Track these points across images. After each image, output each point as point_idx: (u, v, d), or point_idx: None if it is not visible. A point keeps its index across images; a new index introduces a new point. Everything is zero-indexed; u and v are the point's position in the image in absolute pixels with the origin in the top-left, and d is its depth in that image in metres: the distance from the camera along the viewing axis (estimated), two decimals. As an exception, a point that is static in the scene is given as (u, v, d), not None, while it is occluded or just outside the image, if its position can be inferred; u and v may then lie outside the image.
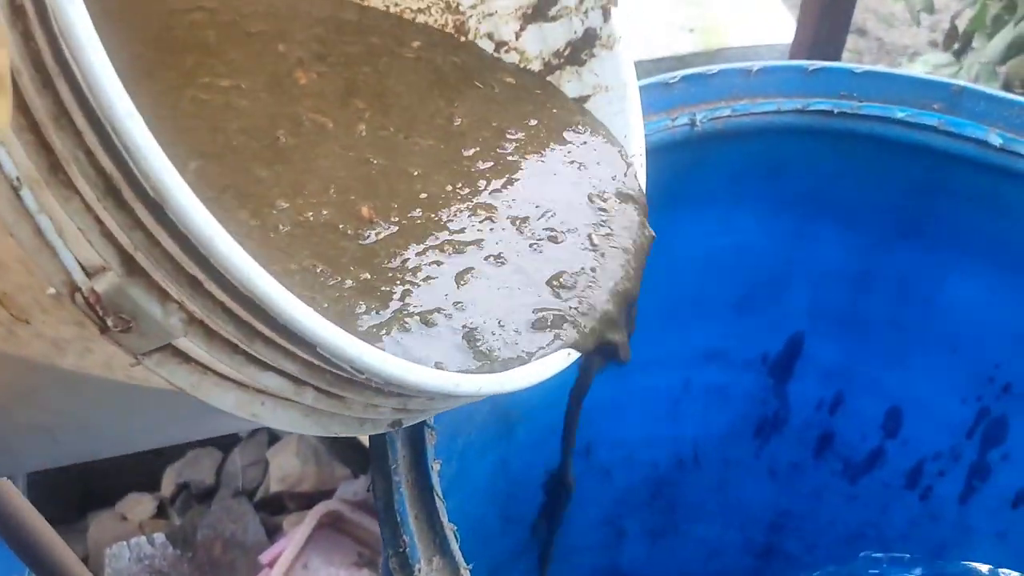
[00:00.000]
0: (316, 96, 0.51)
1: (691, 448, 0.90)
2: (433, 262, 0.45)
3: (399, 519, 0.47)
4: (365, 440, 0.49)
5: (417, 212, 0.47)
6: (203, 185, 0.43)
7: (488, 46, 0.59)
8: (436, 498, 0.48)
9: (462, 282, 0.45)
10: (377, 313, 0.41)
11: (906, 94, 0.68)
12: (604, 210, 0.51)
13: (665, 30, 1.52)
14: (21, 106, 0.29)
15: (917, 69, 1.70)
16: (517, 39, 0.59)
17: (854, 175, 0.72)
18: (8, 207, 0.32)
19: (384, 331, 0.41)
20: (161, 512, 1.33)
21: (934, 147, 0.68)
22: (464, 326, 0.43)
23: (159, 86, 0.48)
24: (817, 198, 0.74)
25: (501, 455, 0.73)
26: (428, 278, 0.44)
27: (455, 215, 0.48)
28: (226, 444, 1.35)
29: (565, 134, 0.55)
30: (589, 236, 0.49)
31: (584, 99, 0.57)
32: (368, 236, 0.45)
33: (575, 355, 0.45)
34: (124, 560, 1.20)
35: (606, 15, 0.55)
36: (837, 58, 1.34)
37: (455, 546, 0.46)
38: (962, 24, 1.71)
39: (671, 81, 0.68)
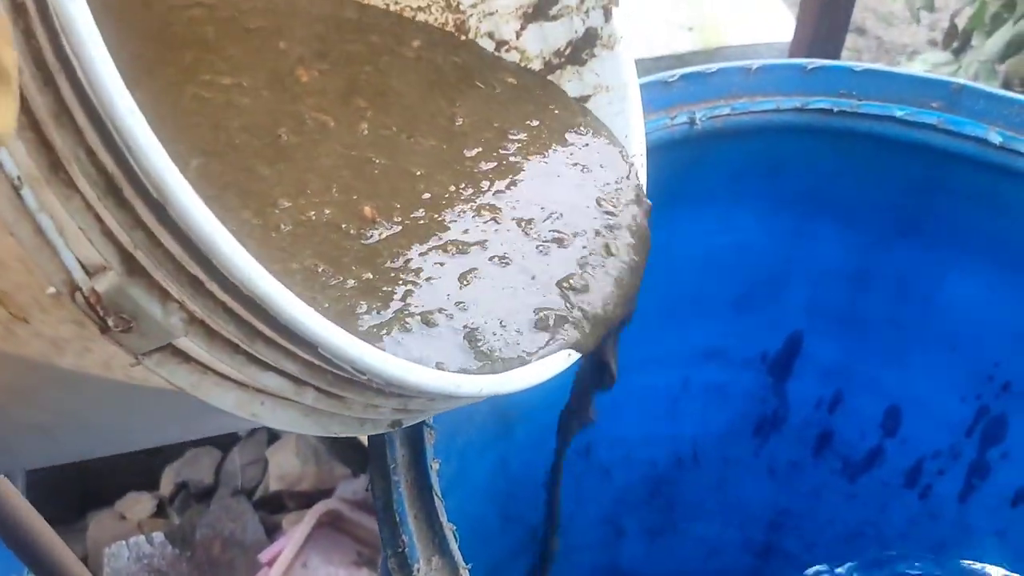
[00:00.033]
0: (318, 94, 0.51)
1: (690, 447, 0.90)
2: (436, 262, 0.45)
3: (398, 519, 0.47)
4: (365, 439, 0.49)
5: (420, 212, 0.47)
6: (205, 183, 0.43)
7: (489, 45, 0.59)
8: (435, 498, 0.48)
9: (465, 282, 0.45)
10: (378, 313, 0.41)
11: (905, 92, 0.68)
12: (609, 213, 0.51)
13: (665, 29, 1.52)
14: (22, 104, 0.29)
15: (916, 67, 1.70)
16: (518, 38, 0.59)
17: (853, 173, 0.72)
18: (8, 206, 0.32)
19: (385, 331, 0.41)
20: (160, 511, 1.33)
21: (933, 145, 0.68)
22: (466, 326, 0.43)
23: (159, 83, 0.48)
24: (816, 196, 0.74)
25: (501, 454, 0.73)
26: (431, 278, 0.44)
27: (459, 216, 0.48)
28: (225, 443, 1.35)
29: (567, 135, 0.55)
30: (594, 239, 0.49)
31: (585, 99, 0.57)
32: (371, 236, 0.45)
33: (575, 356, 0.45)
34: (123, 559, 1.20)
35: (607, 15, 0.55)
36: (836, 56, 1.34)
37: (454, 546, 0.46)
38: (961, 22, 1.71)
39: (670, 80, 0.68)
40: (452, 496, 0.52)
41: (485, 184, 0.50)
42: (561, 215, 0.50)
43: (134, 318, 0.33)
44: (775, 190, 0.73)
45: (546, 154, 0.53)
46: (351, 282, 0.42)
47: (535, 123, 0.55)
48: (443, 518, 0.47)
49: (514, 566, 0.78)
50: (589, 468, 0.85)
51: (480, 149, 0.52)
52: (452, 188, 0.50)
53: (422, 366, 0.38)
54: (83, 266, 0.33)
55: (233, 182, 0.44)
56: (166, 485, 1.34)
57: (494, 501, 0.75)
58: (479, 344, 0.42)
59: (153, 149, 0.29)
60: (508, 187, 0.51)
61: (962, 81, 0.68)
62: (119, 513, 1.31)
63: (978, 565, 0.75)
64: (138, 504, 1.32)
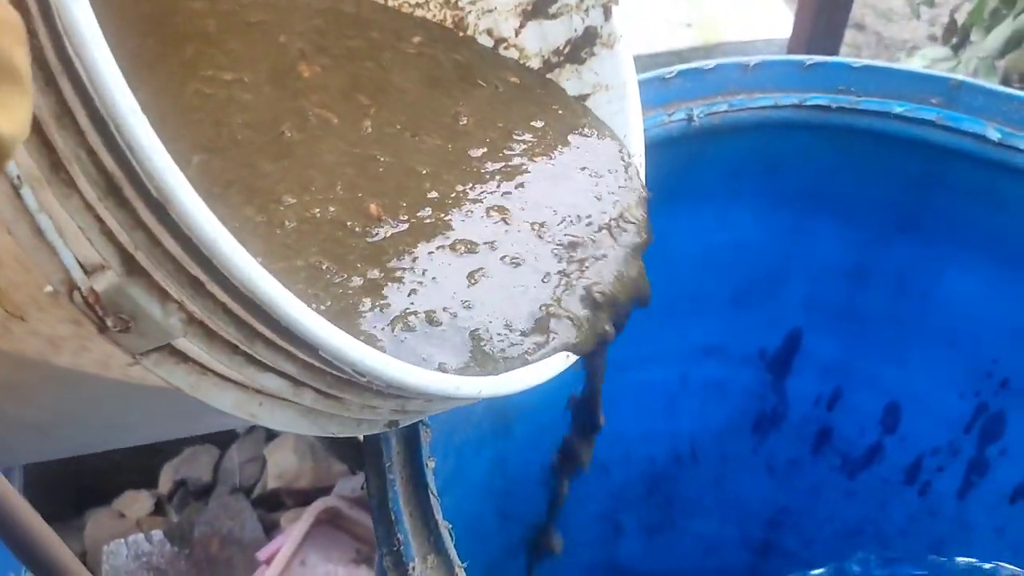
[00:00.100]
0: (320, 90, 0.51)
1: (688, 444, 0.89)
2: (443, 261, 0.45)
3: (393, 516, 0.47)
4: (362, 437, 0.49)
5: (427, 211, 0.47)
6: (207, 180, 0.43)
7: (487, 42, 0.59)
8: (431, 496, 0.47)
9: (472, 281, 0.45)
10: (382, 311, 0.41)
11: (904, 89, 0.68)
12: (616, 218, 0.51)
13: (665, 27, 1.52)
14: None
15: (915, 63, 1.70)
16: (516, 36, 0.59)
17: (852, 170, 0.71)
18: (8, 205, 0.32)
19: (388, 329, 0.41)
20: (159, 509, 1.33)
21: (932, 142, 0.68)
22: (471, 326, 0.43)
23: (160, 78, 0.47)
24: (815, 193, 0.73)
25: (498, 453, 0.73)
26: (437, 277, 0.44)
27: (467, 216, 0.48)
28: (223, 441, 1.35)
29: (572, 137, 0.55)
30: (602, 242, 0.49)
31: (584, 97, 0.57)
32: (376, 233, 0.45)
33: (574, 358, 0.45)
34: (121, 557, 1.20)
35: (607, 13, 0.55)
36: (835, 53, 1.34)
37: (450, 544, 0.46)
38: (961, 18, 1.71)
39: (668, 76, 0.67)
40: (449, 494, 0.52)
41: (493, 185, 0.50)
42: (571, 218, 0.50)
43: (133, 318, 0.33)
44: (773, 187, 0.73)
45: (552, 156, 0.53)
46: (356, 279, 0.42)
47: (539, 124, 0.55)
48: (439, 516, 0.47)
49: (511, 564, 0.78)
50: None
51: (485, 149, 0.52)
52: (459, 188, 0.49)
53: (421, 368, 0.38)
54: (82, 266, 0.33)
55: (236, 179, 0.44)
56: (164, 483, 1.34)
57: (491, 499, 0.75)
58: (483, 344, 0.42)
59: (155, 150, 0.29)
60: (516, 188, 0.51)
61: (961, 77, 0.67)
62: (117, 511, 1.31)
63: (977, 563, 0.75)
64: (136, 502, 1.32)
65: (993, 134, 0.66)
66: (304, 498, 1.26)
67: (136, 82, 0.28)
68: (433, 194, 0.48)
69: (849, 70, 0.68)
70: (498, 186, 0.50)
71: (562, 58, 0.58)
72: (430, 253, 0.45)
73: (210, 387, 0.37)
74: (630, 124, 0.55)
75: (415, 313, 0.42)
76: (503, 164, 0.52)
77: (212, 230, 0.30)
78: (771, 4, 1.61)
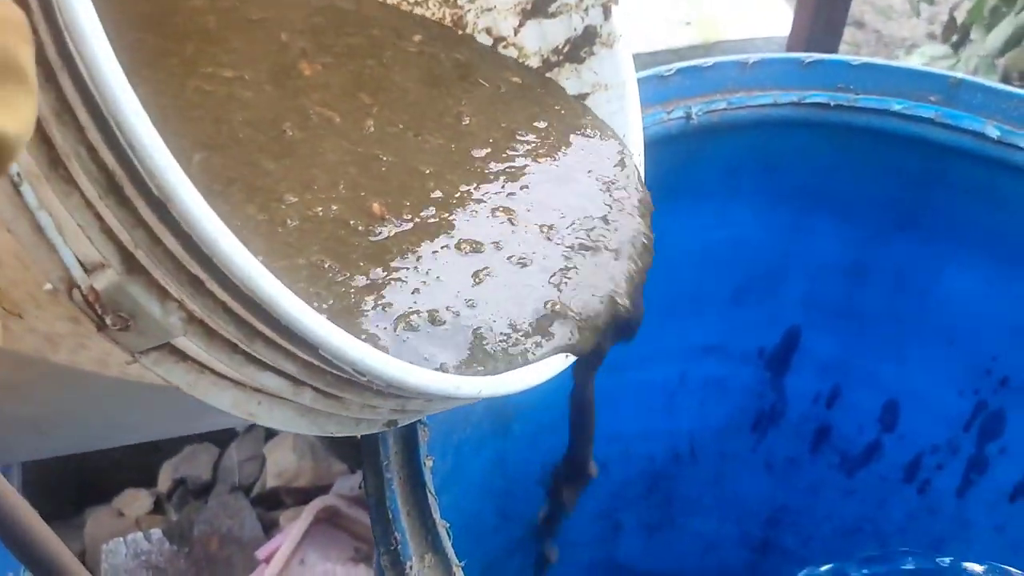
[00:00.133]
0: (322, 89, 0.51)
1: (687, 442, 0.89)
2: (448, 261, 0.45)
3: (390, 516, 0.47)
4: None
5: (431, 211, 0.47)
6: (208, 178, 0.43)
7: (486, 41, 0.59)
8: (428, 495, 0.47)
9: (477, 280, 0.45)
10: (384, 310, 0.41)
11: (903, 86, 0.68)
12: (620, 219, 0.51)
13: (664, 26, 1.52)
14: None
15: (915, 61, 1.70)
16: (515, 35, 0.58)
17: (851, 168, 0.71)
18: (7, 202, 0.32)
19: (391, 329, 0.41)
20: (158, 508, 1.32)
21: (931, 139, 0.68)
22: (474, 324, 0.43)
23: (161, 75, 0.47)
24: (813, 191, 0.73)
25: (497, 451, 0.73)
26: (441, 276, 0.44)
27: (472, 216, 0.48)
28: (223, 440, 1.35)
29: (575, 138, 0.55)
30: (609, 243, 0.49)
31: (583, 97, 0.57)
32: (380, 232, 0.45)
33: (573, 358, 0.45)
34: (121, 556, 1.20)
35: (607, 13, 0.55)
36: (834, 50, 1.34)
37: (447, 543, 0.46)
38: (961, 16, 1.71)
39: (666, 74, 0.67)
40: (448, 493, 0.51)
41: (498, 186, 0.50)
42: (577, 220, 0.50)
43: (132, 316, 0.33)
44: (772, 185, 0.73)
45: (556, 157, 0.53)
46: (359, 278, 0.42)
47: (542, 124, 0.55)
48: (436, 515, 0.47)
49: (510, 563, 0.78)
50: (586, 464, 0.85)
51: (489, 150, 0.52)
52: (464, 188, 0.49)
53: (421, 368, 0.38)
54: (81, 264, 0.33)
55: (238, 177, 0.44)
56: (164, 482, 1.34)
57: (491, 498, 0.75)
58: (485, 343, 0.42)
59: (157, 149, 0.28)
60: (522, 189, 0.51)
61: (960, 75, 0.67)
62: (117, 510, 1.31)
63: (975, 565, 0.75)
64: (136, 501, 1.32)
65: (992, 132, 0.66)
66: (303, 497, 1.26)
67: (136, 79, 0.28)
68: (437, 194, 0.48)
69: (848, 68, 0.68)
70: (503, 187, 0.50)
71: (561, 57, 0.57)
72: (434, 252, 0.45)
73: (208, 386, 0.37)
74: (629, 124, 0.55)
75: (418, 312, 0.42)
76: (507, 165, 0.52)
77: (213, 228, 0.30)
78: (771, 2, 1.61)
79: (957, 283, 0.75)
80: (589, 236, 0.49)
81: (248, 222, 0.42)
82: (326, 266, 0.42)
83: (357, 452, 0.48)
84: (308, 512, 1.14)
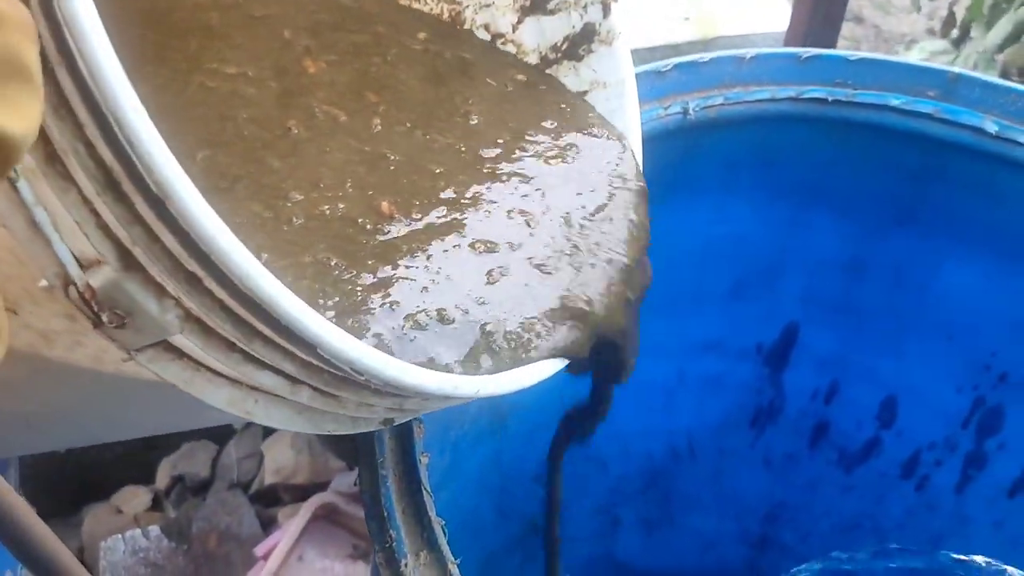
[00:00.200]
0: (327, 87, 0.51)
1: (686, 439, 0.89)
2: (460, 260, 0.45)
3: (386, 513, 0.46)
4: (356, 433, 0.48)
5: (442, 210, 0.47)
6: (213, 176, 0.43)
7: (484, 37, 0.59)
8: (424, 492, 0.47)
9: (491, 279, 0.44)
10: (392, 309, 0.41)
11: (901, 81, 0.68)
12: (623, 216, 0.51)
13: (662, 22, 1.52)
14: None
15: (914, 56, 1.69)
16: (514, 31, 0.58)
17: (849, 163, 0.71)
18: (3, 197, 0.32)
19: (398, 327, 0.40)
20: (156, 505, 1.32)
21: (929, 135, 0.67)
22: (482, 321, 0.43)
23: (163, 71, 0.47)
24: (812, 186, 0.73)
25: (494, 448, 0.72)
26: (452, 276, 0.44)
27: (485, 216, 0.48)
28: (221, 436, 1.35)
29: (582, 137, 0.54)
30: (614, 244, 0.49)
31: (582, 95, 0.57)
32: (388, 231, 0.45)
33: (567, 360, 0.45)
34: (119, 553, 1.20)
35: (606, 10, 0.55)
36: (832, 46, 1.33)
37: (443, 540, 0.46)
38: (960, 11, 1.70)
39: (664, 69, 0.67)
40: (445, 490, 0.51)
41: (511, 187, 0.50)
42: (586, 219, 0.50)
43: (129, 314, 0.33)
44: (770, 180, 0.73)
45: (566, 158, 0.53)
46: (366, 276, 0.42)
47: (550, 124, 0.54)
48: (432, 512, 0.47)
49: (508, 560, 0.77)
50: (585, 460, 0.84)
51: (500, 150, 0.52)
52: (475, 188, 0.49)
53: (419, 367, 0.38)
54: (78, 260, 0.33)
55: (244, 174, 0.44)
56: (162, 479, 1.34)
57: (488, 495, 0.74)
58: (492, 341, 0.42)
59: (156, 144, 0.28)
60: (535, 191, 0.50)
61: (958, 70, 0.67)
62: (115, 507, 1.31)
63: (975, 558, 0.75)
64: (134, 498, 1.32)
65: (991, 127, 0.66)
66: (301, 494, 1.26)
67: (138, 76, 0.28)
68: (448, 193, 0.48)
69: (846, 63, 0.68)
70: (515, 188, 0.50)
71: (560, 55, 0.57)
72: (445, 251, 0.45)
73: (204, 384, 0.37)
74: (628, 122, 0.55)
75: (426, 311, 0.42)
76: (517, 165, 0.52)
77: (211, 225, 0.30)
78: (769, -2, 1.61)
79: (956, 278, 0.74)
80: (594, 235, 0.49)
81: (252, 219, 0.42)
82: (332, 264, 0.41)
83: (355, 449, 0.48)
84: (306, 509, 1.14)
